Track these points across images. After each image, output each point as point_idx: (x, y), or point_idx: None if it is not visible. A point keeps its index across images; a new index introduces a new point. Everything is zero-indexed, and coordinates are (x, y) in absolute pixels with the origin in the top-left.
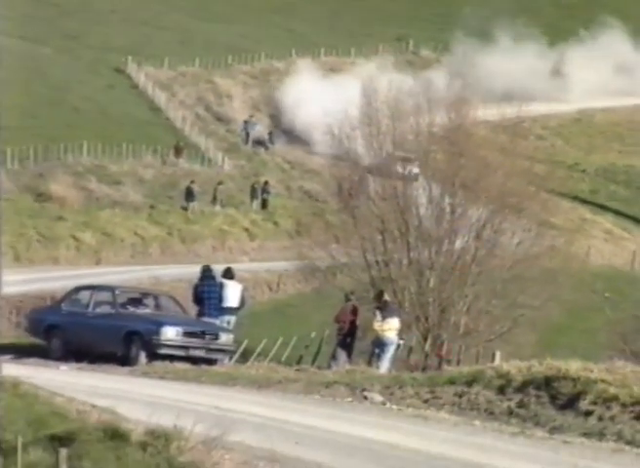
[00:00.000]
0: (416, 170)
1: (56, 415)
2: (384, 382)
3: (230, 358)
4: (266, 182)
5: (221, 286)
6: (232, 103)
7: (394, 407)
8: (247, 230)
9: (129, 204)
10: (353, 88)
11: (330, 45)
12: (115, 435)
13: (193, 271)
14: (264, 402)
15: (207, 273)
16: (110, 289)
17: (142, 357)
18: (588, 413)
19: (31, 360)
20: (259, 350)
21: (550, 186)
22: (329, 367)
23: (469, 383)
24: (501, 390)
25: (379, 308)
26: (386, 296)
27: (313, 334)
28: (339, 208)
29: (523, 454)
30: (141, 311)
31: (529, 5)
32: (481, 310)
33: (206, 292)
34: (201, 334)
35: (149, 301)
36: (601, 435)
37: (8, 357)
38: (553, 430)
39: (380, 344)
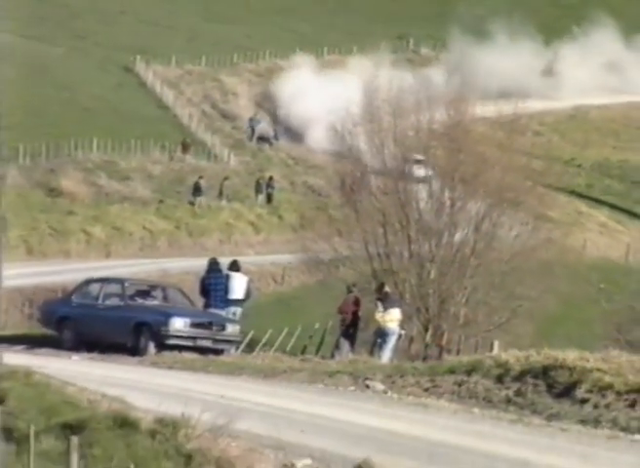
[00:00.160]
0: (429, 172)
1: (67, 404)
2: (386, 371)
3: (236, 348)
4: (271, 178)
5: (228, 278)
6: (238, 101)
7: (395, 395)
8: (252, 224)
9: (137, 199)
10: (351, 84)
11: (332, 44)
12: (125, 423)
13: (200, 264)
14: (270, 391)
15: (213, 266)
16: (120, 281)
17: (151, 347)
18: (584, 401)
19: (43, 350)
20: (264, 340)
21: (547, 181)
22: (332, 356)
23: (469, 372)
24: (500, 379)
25: (380, 299)
26: (387, 288)
27: (317, 325)
28: (341, 202)
29: (521, 441)
30: (150, 303)
31: (525, 3)
32: (480, 301)
33: (213, 285)
34: (208, 325)
35: (158, 293)
36: (597, 422)
37: (21, 347)
38: (550, 417)
39: (381, 334)
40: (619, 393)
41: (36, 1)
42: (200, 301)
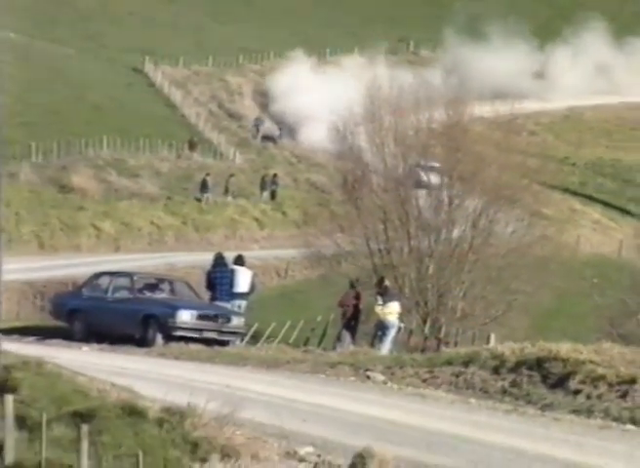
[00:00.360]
0: (437, 179)
1: (77, 393)
2: (386, 363)
3: (241, 340)
4: (275, 175)
5: (233, 272)
6: (243, 101)
7: (395, 386)
8: (257, 220)
9: (146, 195)
10: (347, 83)
11: (334, 45)
12: (133, 412)
13: (206, 258)
14: (273, 381)
15: (219, 260)
16: (128, 275)
17: (159, 339)
18: (577, 392)
19: (55, 341)
20: (268, 332)
21: (542, 179)
22: (334, 348)
23: (466, 364)
24: (496, 370)
25: (380, 293)
26: (387, 282)
27: (319, 318)
28: (343, 199)
29: (516, 430)
30: (158, 296)
31: (520, 5)
32: (477, 295)
33: (218, 278)
34: (214, 318)
35: (165, 286)
36: (589, 412)
37: (33, 338)
38: (544, 408)
39: (381, 327)
40: (610, 384)
41: (48, 4)
42: (206, 294)
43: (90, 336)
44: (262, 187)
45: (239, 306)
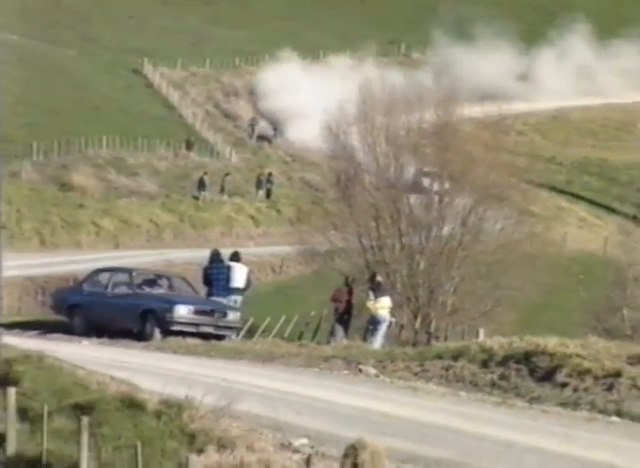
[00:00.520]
0: (441, 185)
1: (78, 386)
2: (378, 356)
3: (237, 334)
4: (270, 174)
5: (229, 268)
6: (239, 102)
7: (387, 379)
8: (252, 217)
9: (144, 193)
10: (335, 82)
11: (327, 47)
12: (132, 404)
13: (203, 255)
14: (268, 374)
15: (216, 256)
16: (128, 271)
17: (157, 333)
18: (564, 385)
19: (56, 335)
20: (263, 327)
21: (530, 178)
22: (327, 342)
23: (455, 358)
24: (485, 364)
25: (372, 289)
26: (379, 278)
27: (313, 313)
28: (336, 197)
29: (505, 422)
30: (156, 291)
31: (507, 8)
32: (466, 291)
33: (215, 274)
34: (210, 313)
35: (163, 282)
36: (576, 405)
37: (34, 332)
38: (532, 400)
39: (373, 322)
40: (596, 377)
41: (50, 7)
42: (203, 290)
43: (90, 331)
44: (258, 186)
45: (235, 301)
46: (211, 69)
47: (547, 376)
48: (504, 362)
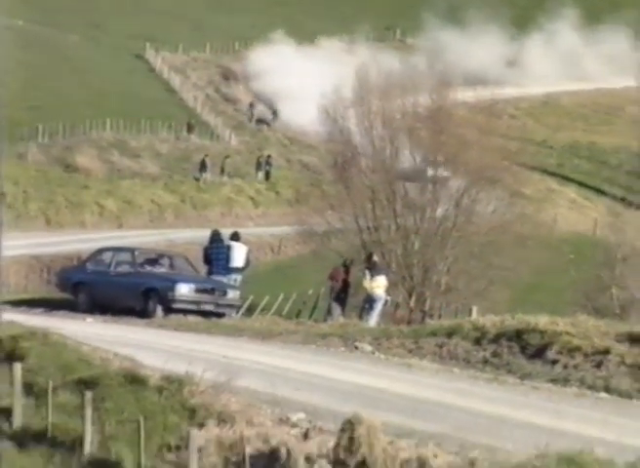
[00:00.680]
0: (445, 173)
1: (82, 362)
2: (374, 334)
3: (237, 312)
4: (269, 156)
5: (229, 248)
6: (239, 86)
7: (382, 356)
8: (252, 198)
9: (147, 174)
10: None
11: (325, 32)
12: (134, 380)
13: (204, 235)
14: (267, 351)
15: (216, 236)
16: (130, 250)
17: (159, 311)
18: (555, 362)
19: (60, 313)
20: (262, 305)
21: (522, 160)
22: (324, 320)
23: (449, 335)
24: (478, 341)
25: (368, 268)
26: (375, 258)
27: (311, 292)
28: (334, 179)
29: (497, 398)
30: (158, 270)
31: None
32: (460, 270)
33: (215, 254)
34: (211, 291)
35: (165, 261)
36: (566, 381)
37: (40, 310)
38: (523, 377)
39: (369, 300)
40: (586, 354)
41: None
42: (204, 269)
43: (94, 308)
44: (257, 168)
45: (235, 280)
46: (211, 54)
47: (538, 354)
48: (497, 339)
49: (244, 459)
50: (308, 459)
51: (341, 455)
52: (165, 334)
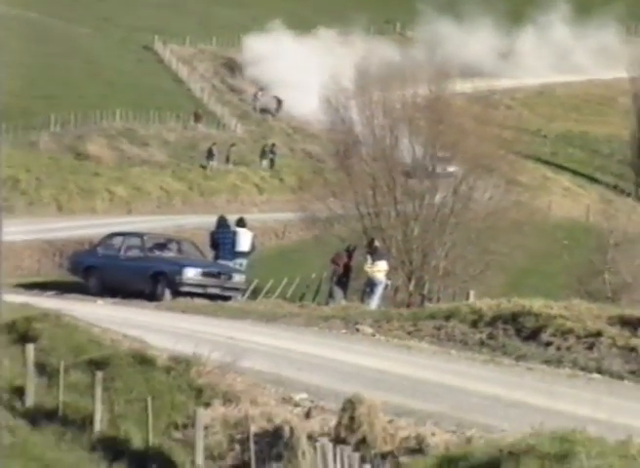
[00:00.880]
0: (451, 168)
1: (93, 343)
2: (374, 317)
3: (242, 295)
4: (273, 145)
5: (235, 233)
6: (244, 77)
7: (382, 338)
8: (257, 186)
9: (155, 162)
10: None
11: (326, 25)
12: (143, 360)
13: (210, 220)
14: (271, 333)
15: (222, 222)
16: (139, 235)
17: (167, 294)
18: (548, 344)
19: (72, 295)
20: (266, 289)
21: (517, 149)
22: (326, 303)
23: (447, 318)
24: (474, 324)
25: (370, 253)
26: (377, 243)
27: (313, 275)
28: (335, 167)
29: (493, 379)
30: (166, 254)
31: None
32: (458, 255)
33: (221, 239)
34: (217, 275)
35: (173, 246)
36: (559, 362)
37: (52, 293)
38: (518, 358)
39: (370, 284)
40: (578, 337)
41: None
42: (210, 253)
43: (104, 291)
44: (262, 156)
45: (240, 264)
46: (217, 46)
47: (533, 336)
48: (493, 322)
49: (248, 437)
50: (310, 437)
51: (343, 434)
52: (173, 317)
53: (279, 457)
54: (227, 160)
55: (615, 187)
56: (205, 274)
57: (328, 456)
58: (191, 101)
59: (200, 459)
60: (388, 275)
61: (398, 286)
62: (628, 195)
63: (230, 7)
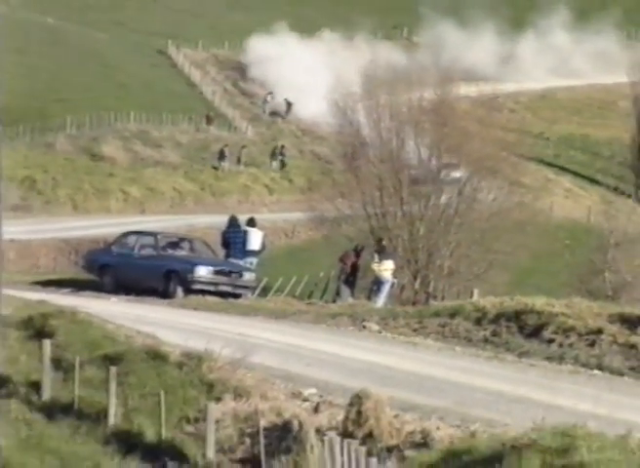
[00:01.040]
0: (457, 175)
1: (107, 339)
2: (381, 314)
3: (252, 293)
4: (283, 146)
5: (245, 232)
6: (254, 80)
7: (389, 335)
8: (267, 186)
9: (168, 163)
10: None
11: (333, 29)
12: (156, 356)
13: (222, 220)
14: (281, 330)
15: (233, 222)
16: (153, 234)
17: (179, 291)
18: (550, 341)
19: (87, 293)
20: (276, 287)
21: (520, 152)
22: (334, 301)
23: (452, 315)
24: (478, 321)
25: (378, 251)
26: (384, 243)
27: (322, 274)
28: (343, 168)
29: (496, 375)
30: (179, 253)
31: None
32: (462, 255)
33: (232, 238)
34: (228, 273)
35: (185, 245)
36: (561, 359)
37: (68, 290)
38: (521, 355)
39: (377, 282)
40: (580, 334)
41: None
42: (221, 252)
43: (118, 289)
44: (272, 157)
45: (251, 263)
46: (229, 51)
47: (535, 333)
48: (496, 319)
49: (258, 431)
50: (319, 431)
51: (350, 428)
52: (185, 314)
53: (288, 451)
54: (238, 161)
55: (615, 189)
56: (216, 272)
57: (335, 450)
58: (203, 104)
59: (211, 452)
60: (395, 274)
61: (404, 284)
62: (628, 196)
63: (242, 12)
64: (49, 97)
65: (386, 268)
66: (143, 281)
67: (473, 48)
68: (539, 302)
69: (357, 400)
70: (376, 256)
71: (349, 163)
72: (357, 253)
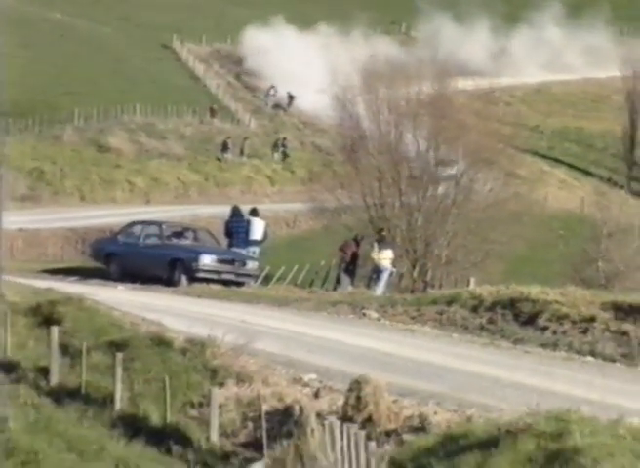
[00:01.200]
0: (452, 171)
1: (113, 326)
2: (380, 302)
3: (255, 281)
4: (285, 138)
5: (248, 222)
6: (256, 74)
7: (387, 322)
8: (269, 177)
9: (173, 155)
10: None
11: (332, 26)
12: (161, 342)
13: (225, 210)
14: (282, 317)
15: (236, 212)
16: (158, 224)
17: (184, 279)
18: (545, 328)
19: (94, 280)
20: (278, 275)
21: (516, 144)
22: (334, 289)
23: (449, 303)
24: (475, 309)
25: (377, 241)
26: (384, 233)
27: (322, 263)
28: (343, 160)
29: (492, 361)
30: (183, 242)
31: None
32: (459, 244)
33: (235, 228)
34: (231, 262)
35: (189, 234)
36: (555, 346)
37: (75, 278)
38: (516, 342)
39: (376, 271)
40: (573, 322)
41: None
42: (225, 241)
43: (124, 277)
44: (274, 149)
45: (253, 252)
46: (232, 45)
47: (530, 321)
48: (492, 307)
49: (260, 416)
50: (319, 416)
51: (350, 412)
52: (189, 301)
53: (289, 435)
54: (241, 153)
55: (608, 180)
56: (220, 261)
57: (335, 434)
58: (207, 97)
59: (215, 436)
60: (394, 263)
61: (402, 273)
62: (621, 188)
63: (245, 7)
64: (57, 91)
65: (385, 257)
66: (149, 269)
67: (469, 43)
68: (533, 291)
69: (357, 385)
70: (375, 246)
71: (349, 155)
72: (357, 242)
